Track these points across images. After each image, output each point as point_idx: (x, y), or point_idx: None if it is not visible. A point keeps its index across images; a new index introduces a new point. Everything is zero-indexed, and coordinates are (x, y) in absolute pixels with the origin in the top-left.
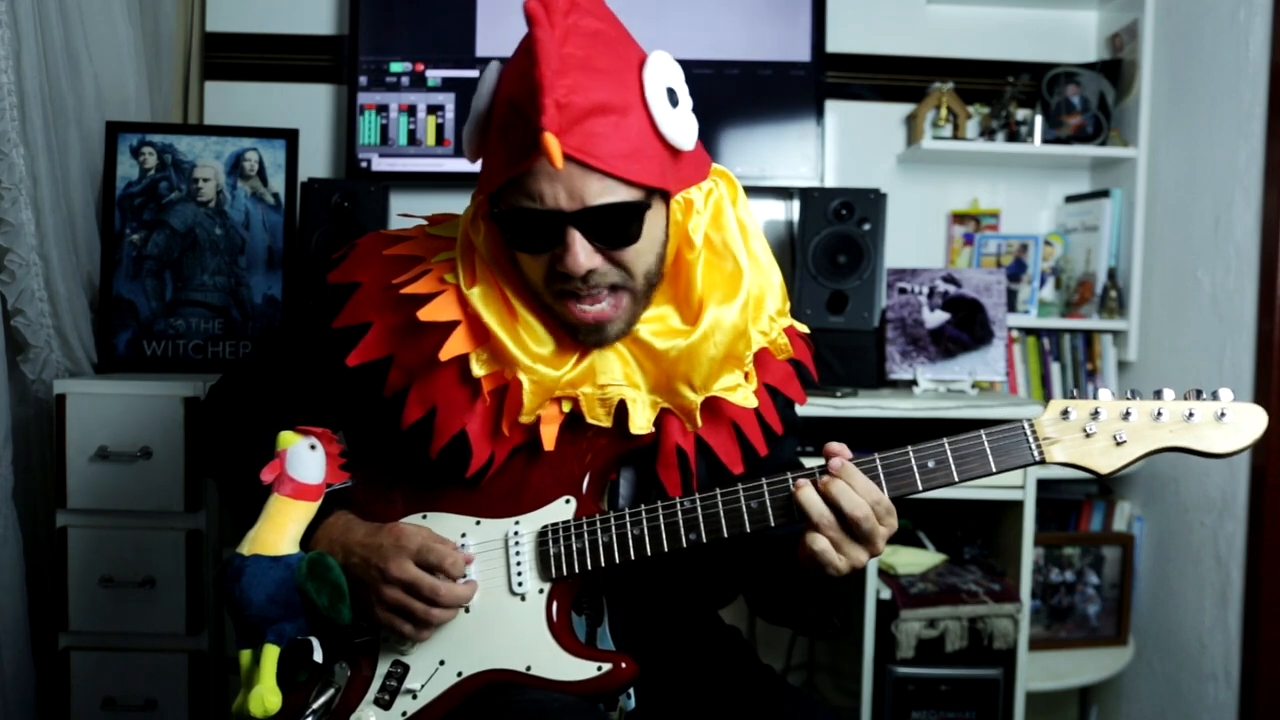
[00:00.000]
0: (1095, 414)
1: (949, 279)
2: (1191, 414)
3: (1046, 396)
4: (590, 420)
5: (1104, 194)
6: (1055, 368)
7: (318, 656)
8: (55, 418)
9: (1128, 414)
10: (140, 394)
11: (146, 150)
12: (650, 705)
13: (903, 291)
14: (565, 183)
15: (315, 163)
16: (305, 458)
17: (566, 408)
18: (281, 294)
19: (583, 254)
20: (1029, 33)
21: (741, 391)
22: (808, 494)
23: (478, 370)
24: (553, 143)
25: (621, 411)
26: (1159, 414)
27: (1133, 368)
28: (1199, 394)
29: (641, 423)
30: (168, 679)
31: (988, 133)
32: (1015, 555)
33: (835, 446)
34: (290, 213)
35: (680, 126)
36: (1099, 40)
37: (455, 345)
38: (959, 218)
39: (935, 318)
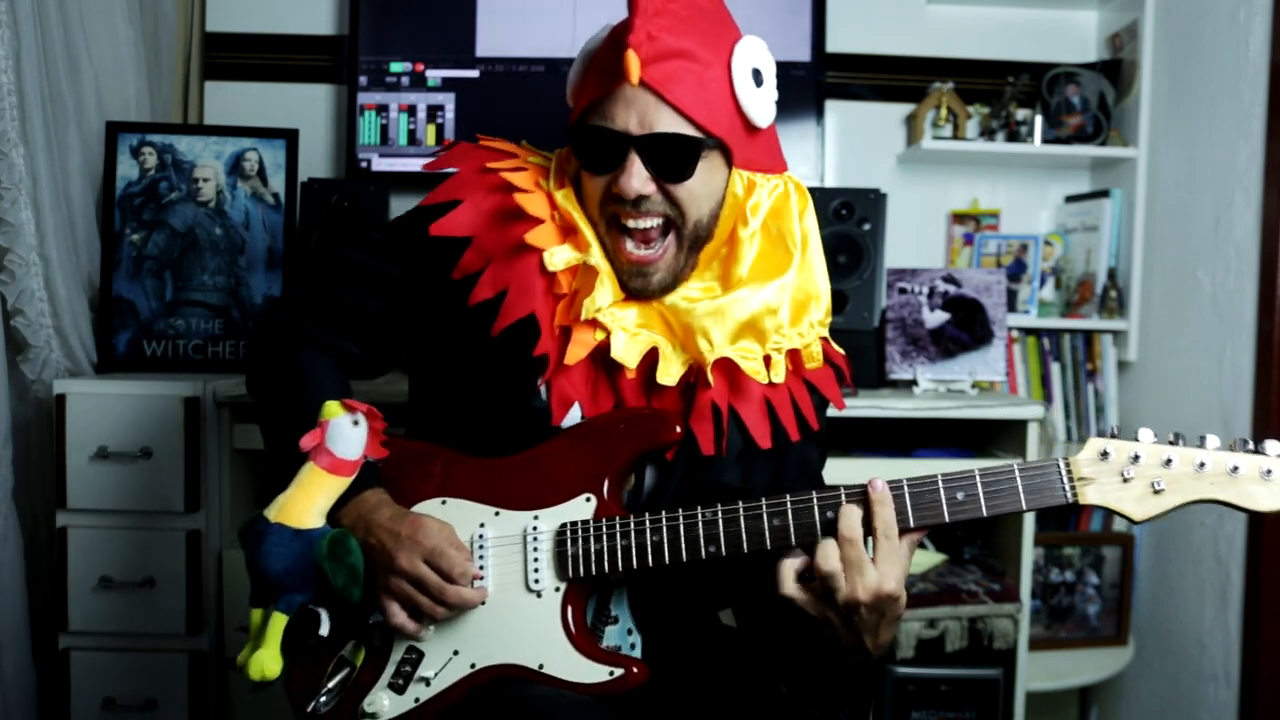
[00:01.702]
0: (1135, 458)
1: (949, 279)
2: (1236, 468)
3: (1047, 396)
4: (615, 357)
5: (1104, 194)
6: (1055, 368)
7: (324, 630)
8: (55, 418)
9: (1169, 461)
10: (140, 394)
11: (146, 150)
12: (643, 700)
13: (903, 291)
14: (639, 110)
15: (315, 163)
16: (347, 433)
17: (600, 336)
18: (281, 294)
19: (637, 178)
20: (1029, 33)
21: (754, 364)
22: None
23: (552, 265)
24: (633, 59)
25: (651, 385)
26: (1202, 464)
27: (1133, 368)
28: (1245, 443)
29: (673, 373)
30: (168, 679)
31: (988, 133)
32: (1015, 555)
33: (880, 484)
34: (290, 213)
35: (757, 103)
36: (1099, 40)
37: (539, 236)
38: (959, 218)
39: (935, 318)
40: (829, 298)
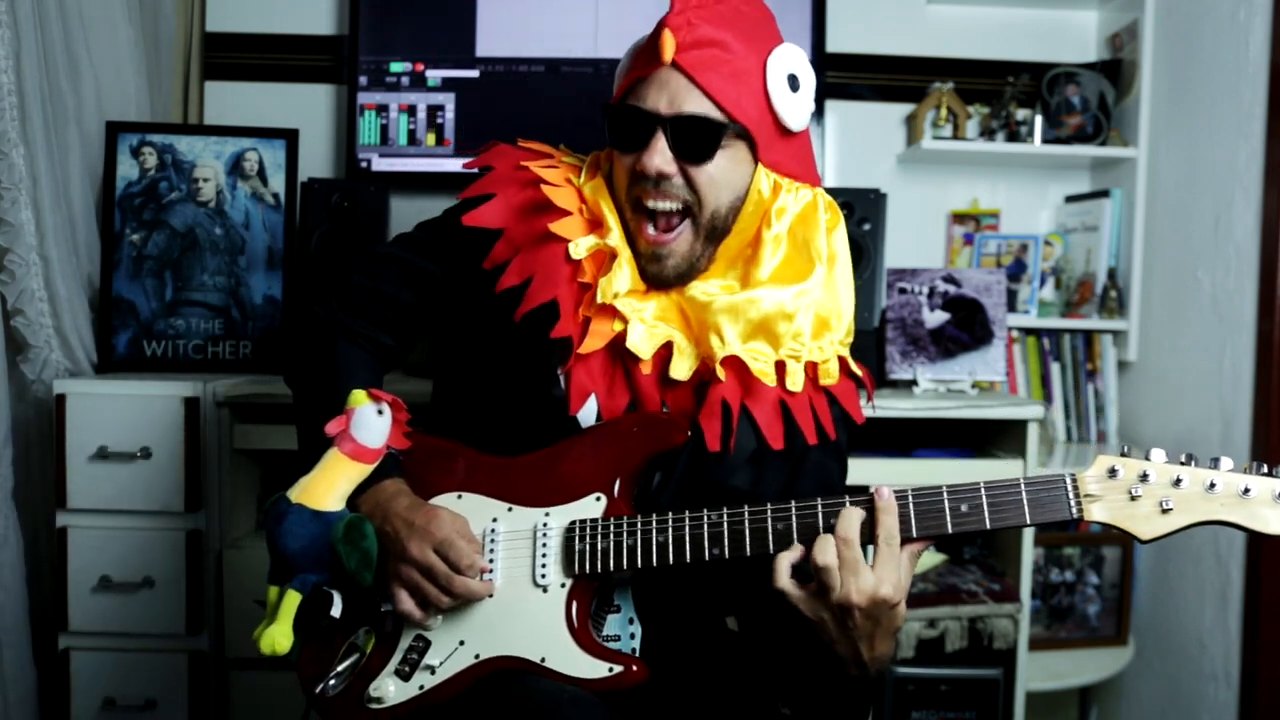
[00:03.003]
0: (1144, 476)
1: (949, 279)
2: (1248, 490)
3: (1047, 397)
4: (630, 347)
5: (1104, 194)
6: (1055, 368)
7: (335, 611)
8: (55, 418)
9: (1178, 481)
10: (140, 394)
11: (146, 150)
12: (644, 700)
13: (903, 291)
14: (669, 92)
15: (315, 163)
16: (371, 421)
17: (618, 327)
18: (281, 294)
19: (660, 156)
20: (1029, 33)
21: (764, 365)
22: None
23: (576, 253)
24: (669, 38)
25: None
26: (1212, 485)
27: (1133, 368)
28: (1259, 466)
29: (684, 368)
30: (168, 679)
31: (988, 133)
32: (1015, 555)
33: (886, 491)
34: (290, 213)
35: (790, 106)
36: (1099, 40)
37: (565, 226)
38: (959, 218)
39: (935, 318)
40: (851, 317)
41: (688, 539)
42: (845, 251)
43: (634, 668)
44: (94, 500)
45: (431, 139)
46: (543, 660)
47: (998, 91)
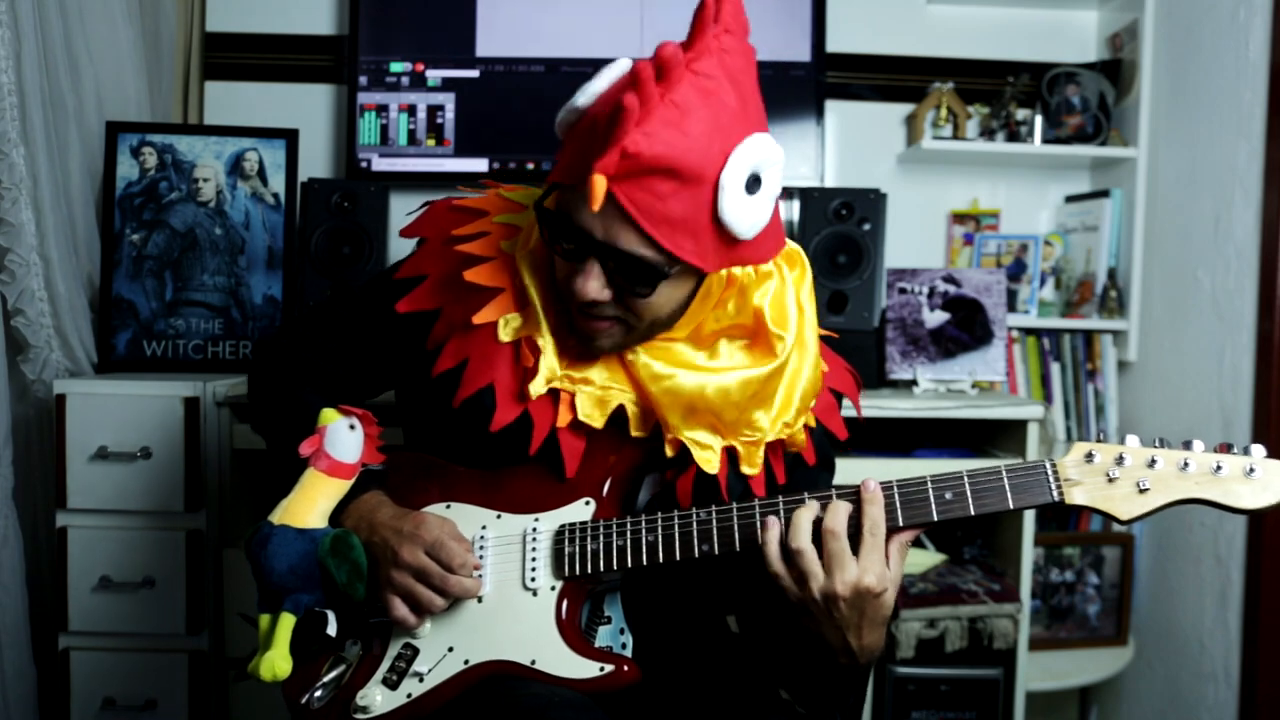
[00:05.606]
0: (1120, 459)
1: (949, 279)
2: (1219, 467)
3: (1046, 397)
4: (584, 419)
5: (1104, 194)
6: (1055, 368)
7: (331, 630)
8: (55, 418)
9: (1153, 462)
10: (140, 394)
11: (146, 150)
12: (638, 701)
13: (903, 291)
14: (604, 218)
15: (315, 163)
16: (344, 437)
17: (582, 411)
18: (282, 294)
19: (594, 285)
20: (1029, 33)
21: (708, 454)
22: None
23: (504, 336)
24: (599, 185)
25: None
26: (1185, 464)
27: (1133, 368)
28: (1230, 448)
29: (640, 428)
30: (168, 679)
31: (988, 133)
32: (1015, 555)
33: (873, 484)
34: (290, 213)
35: (745, 215)
36: (1099, 40)
37: (489, 313)
38: (959, 218)
39: (935, 318)
40: (817, 370)
41: (677, 537)
42: (811, 304)
43: (625, 667)
44: (94, 500)
45: (432, 139)
46: (533, 663)
47: (998, 91)
